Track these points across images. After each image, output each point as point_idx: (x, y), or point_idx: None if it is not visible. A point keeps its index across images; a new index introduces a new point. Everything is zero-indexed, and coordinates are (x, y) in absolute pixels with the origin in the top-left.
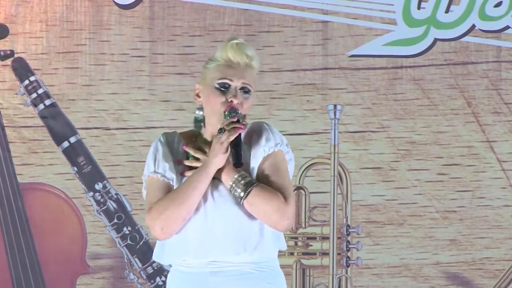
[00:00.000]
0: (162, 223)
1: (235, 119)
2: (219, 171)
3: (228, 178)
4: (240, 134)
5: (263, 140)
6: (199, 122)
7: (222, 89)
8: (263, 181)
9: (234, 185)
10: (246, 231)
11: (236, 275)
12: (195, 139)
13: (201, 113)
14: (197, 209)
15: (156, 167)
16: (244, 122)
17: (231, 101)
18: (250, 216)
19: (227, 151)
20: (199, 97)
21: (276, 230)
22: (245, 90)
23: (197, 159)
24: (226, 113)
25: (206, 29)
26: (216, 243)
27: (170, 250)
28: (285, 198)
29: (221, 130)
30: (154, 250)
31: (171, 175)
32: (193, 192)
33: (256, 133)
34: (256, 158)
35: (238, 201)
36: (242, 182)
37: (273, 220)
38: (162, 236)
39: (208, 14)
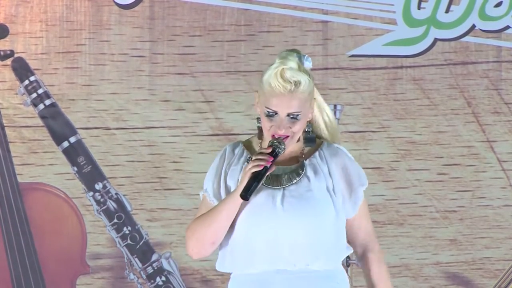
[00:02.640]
0: (193, 244)
1: (269, 150)
2: None
3: None
4: (265, 167)
5: (357, 182)
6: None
7: (270, 116)
8: (357, 226)
9: None
10: (319, 243)
11: (302, 272)
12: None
13: (259, 124)
14: (266, 218)
15: (207, 185)
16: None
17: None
18: (324, 227)
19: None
20: (258, 107)
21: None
22: (292, 117)
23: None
24: (270, 141)
25: (206, 29)
26: (286, 254)
27: (235, 260)
28: (375, 242)
29: (250, 158)
30: (218, 259)
31: (217, 196)
32: (219, 216)
33: (344, 165)
34: (356, 204)
35: (312, 213)
36: None
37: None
38: (194, 256)
39: (208, 14)
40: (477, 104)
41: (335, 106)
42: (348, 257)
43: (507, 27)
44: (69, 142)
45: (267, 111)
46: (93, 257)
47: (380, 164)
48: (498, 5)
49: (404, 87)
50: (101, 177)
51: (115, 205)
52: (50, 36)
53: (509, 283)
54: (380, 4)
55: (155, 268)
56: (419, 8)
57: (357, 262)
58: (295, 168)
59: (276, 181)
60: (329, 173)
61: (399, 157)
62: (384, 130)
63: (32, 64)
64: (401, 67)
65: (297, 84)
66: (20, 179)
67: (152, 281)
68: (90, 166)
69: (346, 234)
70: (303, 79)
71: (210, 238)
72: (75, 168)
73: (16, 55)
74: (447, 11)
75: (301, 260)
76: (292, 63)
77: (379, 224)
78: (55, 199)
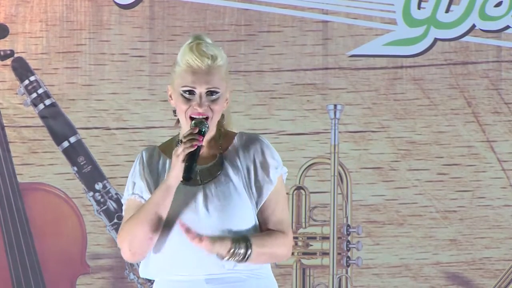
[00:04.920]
0: (129, 244)
1: (196, 131)
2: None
3: (225, 252)
4: (198, 147)
5: (269, 166)
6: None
7: (187, 96)
8: (266, 212)
9: (233, 253)
10: None
11: (232, 282)
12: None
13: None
14: (190, 223)
15: (134, 189)
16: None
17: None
18: (247, 225)
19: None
20: (172, 99)
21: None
22: (211, 93)
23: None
24: (192, 123)
25: (206, 29)
26: (211, 257)
27: (160, 265)
28: (284, 231)
29: (179, 142)
30: (141, 265)
31: (147, 195)
32: (154, 208)
33: (257, 152)
34: (266, 188)
35: (235, 213)
36: (242, 249)
37: (281, 257)
38: (132, 258)
39: (208, 14)
40: (477, 104)
41: (335, 106)
42: (348, 256)
43: (507, 27)
44: (69, 142)
45: (184, 90)
46: (93, 257)
47: (380, 164)
48: (498, 5)
49: (404, 87)
50: (101, 177)
51: (115, 205)
52: (50, 36)
53: (509, 283)
54: (380, 4)
55: None
56: (419, 8)
57: (356, 261)
58: (213, 164)
59: (194, 179)
60: (241, 165)
61: (399, 157)
62: (384, 130)
63: (32, 64)
64: (401, 67)
65: (214, 58)
66: (20, 179)
67: (152, 281)
68: (90, 166)
69: (258, 221)
70: (220, 53)
71: (146, 233)
72: (75, 168)
73: (16, 55)
74: (447, 11)
75: (226, 263)
76: (207, 39)
77: (379, 224)
78: (55, 199)
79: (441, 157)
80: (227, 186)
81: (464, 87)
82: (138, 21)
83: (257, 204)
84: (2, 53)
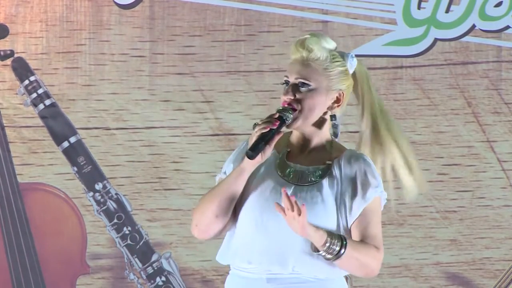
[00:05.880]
0: (197, 219)
1: (275, 116)
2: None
3: (321, 244)
4: (272, 130)
5: (370, 185)
6: None
7: (284, 86)
8: (359, 228)
9: (329, 247)
10: (310, 249)
11: (293, 283)
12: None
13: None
14: (269, 214)
15: (226, 169)
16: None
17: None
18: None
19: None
20: None
21: None
22: (302, 85)
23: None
24: (277, 108)
25: (206, 29)
26: (279, 255)
27: (235, 252)
28: (377, 246)
29: (255, 126)
30: (219, 250)
31: None
32: (224, 188)
33: (360, 169)
34: (358, 204)
35: (313, 220)
36: (337, 246)
37: (370, 269)
38: (198, 234)
39: (208, 14)
40: (477, 104)
41: None
42: None
43: (507, 27)
44: (69, 142)
45: (284, 80)
46: (93, 257)
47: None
48: (498, 5)
49: (404, 87)
50: (101, 177)
51: (115, 205)
52: (50, 36)
53: (509, 284)
54: (380, 4)
55: (155, 268)
56: (419, 8)
57: None
58: (314, 169)
59: (294, 177)
60: (340, 178)
61: None
62: None
63: (32, 64)
64: (401, 67)
65: (310, 50)
66: (20, 179)
67: (152, 281)
68: (90, 166)
69: (352, 236)
70: (320, 50)
71: (214, 210)
72: (75, 168)
73: (16, 55)
74: (447, 11)
75: (289, 262)
76: (321, 36)
77: None
78: (55, 199)
79: (441, 157)
80: (317, 194)
81: (464, 87)
82: (138, 21)
83: (347, 220)
84: (2, 53)
